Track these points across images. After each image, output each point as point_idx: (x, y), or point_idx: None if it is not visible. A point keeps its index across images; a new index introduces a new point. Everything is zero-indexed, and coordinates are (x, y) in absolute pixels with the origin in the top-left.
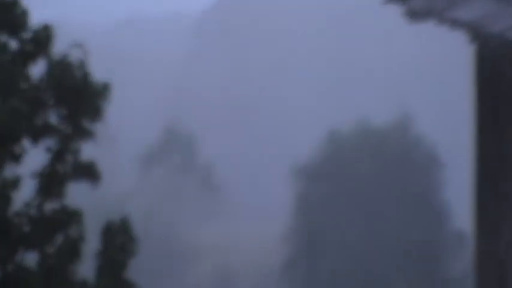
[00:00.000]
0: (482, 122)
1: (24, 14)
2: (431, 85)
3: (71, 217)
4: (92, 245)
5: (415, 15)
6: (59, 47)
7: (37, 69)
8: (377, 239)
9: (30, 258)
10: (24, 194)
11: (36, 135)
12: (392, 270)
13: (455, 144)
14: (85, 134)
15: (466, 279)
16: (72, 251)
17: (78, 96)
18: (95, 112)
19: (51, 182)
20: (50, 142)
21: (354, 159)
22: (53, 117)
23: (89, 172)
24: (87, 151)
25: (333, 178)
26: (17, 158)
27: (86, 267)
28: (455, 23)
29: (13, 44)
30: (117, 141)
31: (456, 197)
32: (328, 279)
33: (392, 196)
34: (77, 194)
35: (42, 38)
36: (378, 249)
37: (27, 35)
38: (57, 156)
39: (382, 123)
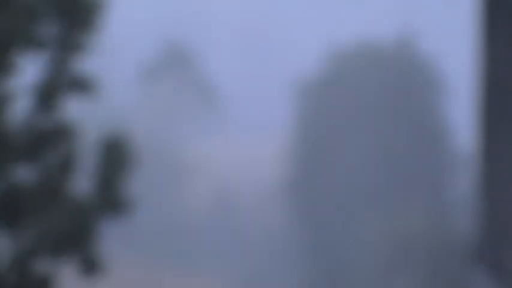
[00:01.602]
0: (491, 40)
1: None
2: (435, 3)
3: (66, 131)
4: (89, 160)
5: None
6: None
7: None
8: (377, 157)
9: (24, 173)
10: (19, 108)
11: (31, 48)
12: (393, 190)
13: (460, 64)
14: (82, 46)
15: (468, 201)
16: (67, 165)
17: (75, 8)
18: (93, 24)
19: (46, 95)
20: (45, 55)
21: (355, 77)
22: (49, 30)
23: (85, 86)
24: (86, 65)
25: (334, 96)
26: (12, 71)
27: (82, 182)
28: None
29: None
30: (118, 56)
31: (460, 118)
32: (328, 198)
33: (394, 116)
34: (75, 109)
35: None
36: (378, 168)
37: None
38: (53, 69)
39: (386, 41)
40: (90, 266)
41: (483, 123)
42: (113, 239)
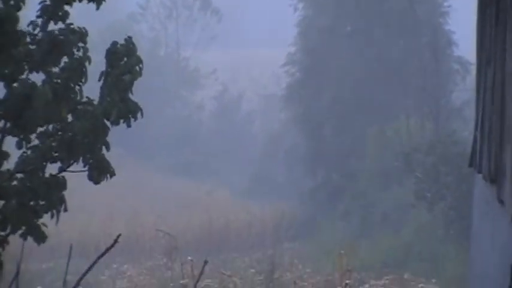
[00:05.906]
0: None
1: None
2: None
3: (76, 37)
4: (98, 67)
5: None
6: None
7: None
8: (379, 66)
9: (36, 78)
10: (29, 15)
11: None
12: (394, 100)
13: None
14: None
15: (465, 108)
16: (78, 70)
17: None
18: None
19: (55, 2)
20: None
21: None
22: None
23: None
24: None
25: (337, 6)
26: None
27: (92, 88)
28: None
29: None
30: None
31: (461, 28)
32: (329, 104)
33: (395, 23)
34: (84, 16)
35: None
36: (379, 77)
37: None
38: None
39: None
40: (100, 170)
41: (482, 32)
42: (118, 144)
